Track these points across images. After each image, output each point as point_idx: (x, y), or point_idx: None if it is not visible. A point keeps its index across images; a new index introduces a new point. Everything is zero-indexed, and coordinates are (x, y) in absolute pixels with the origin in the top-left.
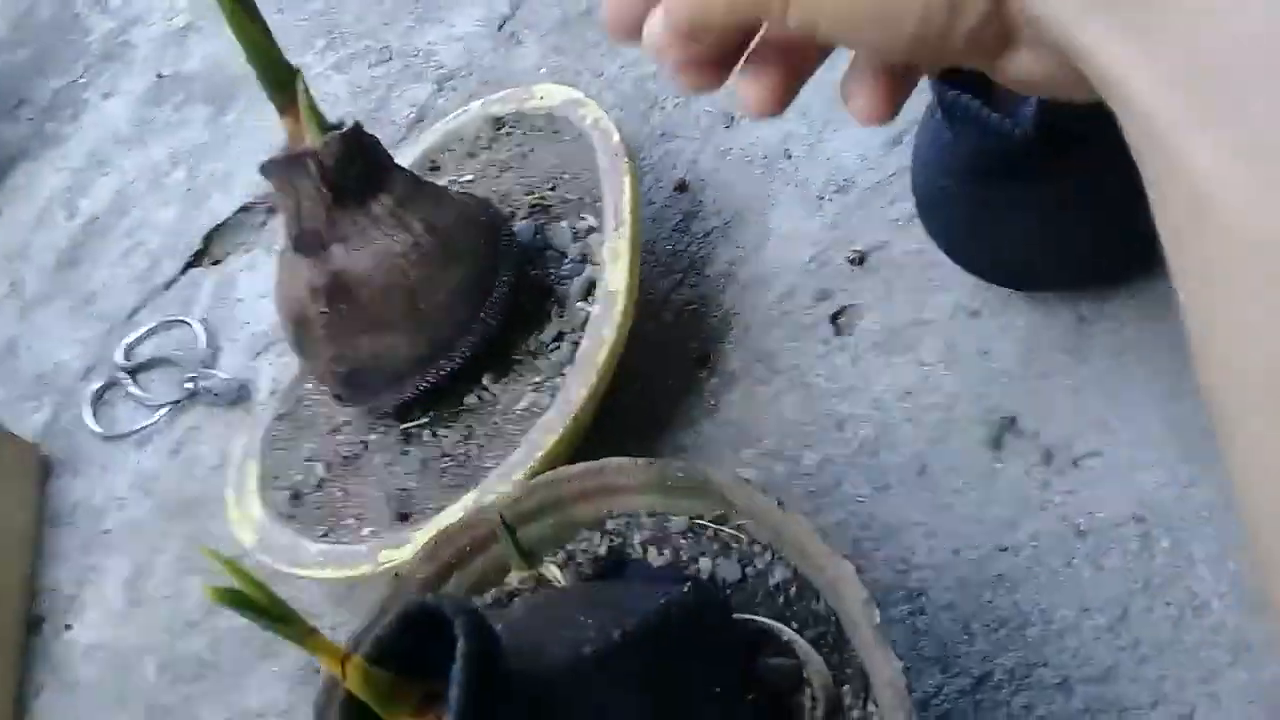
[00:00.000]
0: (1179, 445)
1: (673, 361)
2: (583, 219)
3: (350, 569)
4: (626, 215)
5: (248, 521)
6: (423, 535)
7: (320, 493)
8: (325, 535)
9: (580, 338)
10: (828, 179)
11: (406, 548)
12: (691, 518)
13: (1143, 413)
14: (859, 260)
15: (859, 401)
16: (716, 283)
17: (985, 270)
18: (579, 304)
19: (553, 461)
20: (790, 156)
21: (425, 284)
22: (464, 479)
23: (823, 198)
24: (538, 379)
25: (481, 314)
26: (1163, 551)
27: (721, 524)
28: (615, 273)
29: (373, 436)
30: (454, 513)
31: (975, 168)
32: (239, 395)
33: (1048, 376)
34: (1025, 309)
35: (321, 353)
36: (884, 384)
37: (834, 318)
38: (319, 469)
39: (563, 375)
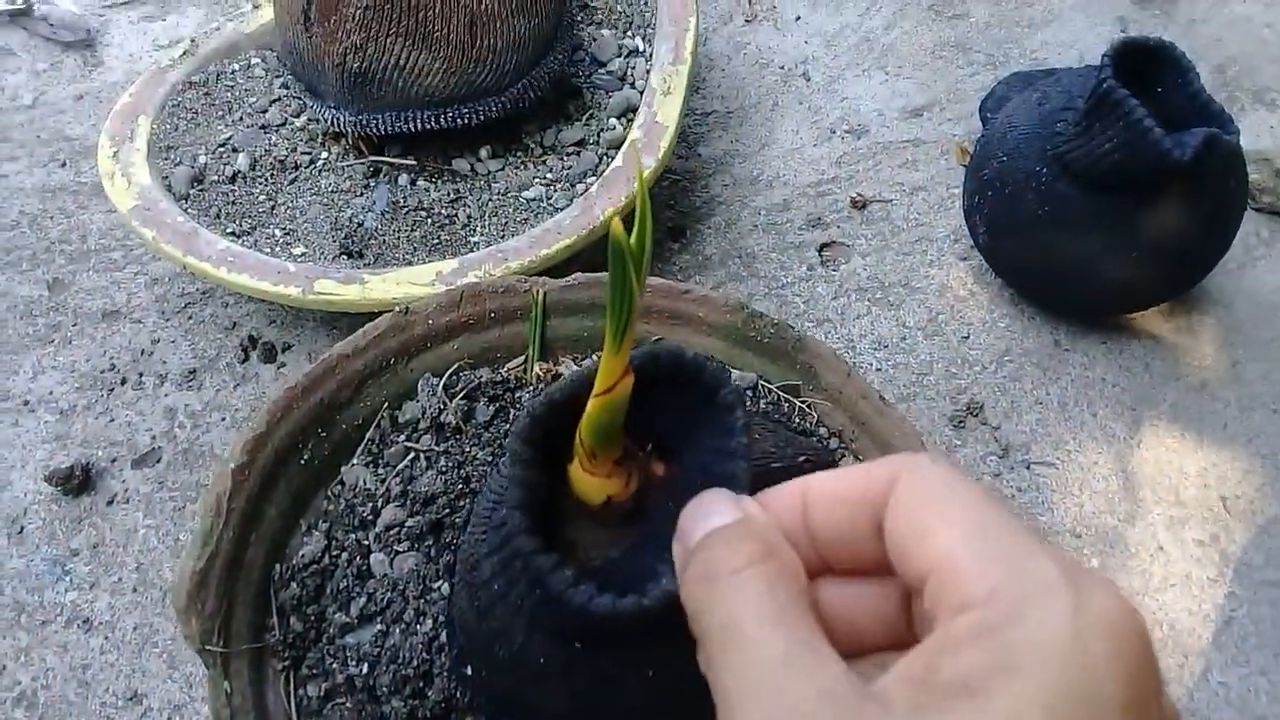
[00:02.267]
0: (1123, 484)
1: None
2: (629, 38)
3: (271, 284)
4: (688, 54)
5: (127, 184)
6: (381, 281)
7: (235, 186)
8: (237, 235)
9: (606, 153)
10: (842, 117)
11: (354, 288)
12: (760, 378)
13: (1096, 446)
14: (861, 205)
15: (832, 335)
16: (707, 165)
17: (1028, 267)
18: (612, 120)
19: (548, 265)
20: (809, 79)
21: (489, 19)
22: (443, 242)
23: (834, 132)
24: (549, 175)
25: (526, 78)
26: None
27: (792, 395)
28: (668, 106)
29: (326, 155)
30: (425, 272)
31: (1104, 176)
32: (82, 39)
33: (1018, 381)
34: (1010, 313)
35: (342, 38)
36: (861, 329)
37: (822, 248)
38: (240, 161)
39: (585, 184)
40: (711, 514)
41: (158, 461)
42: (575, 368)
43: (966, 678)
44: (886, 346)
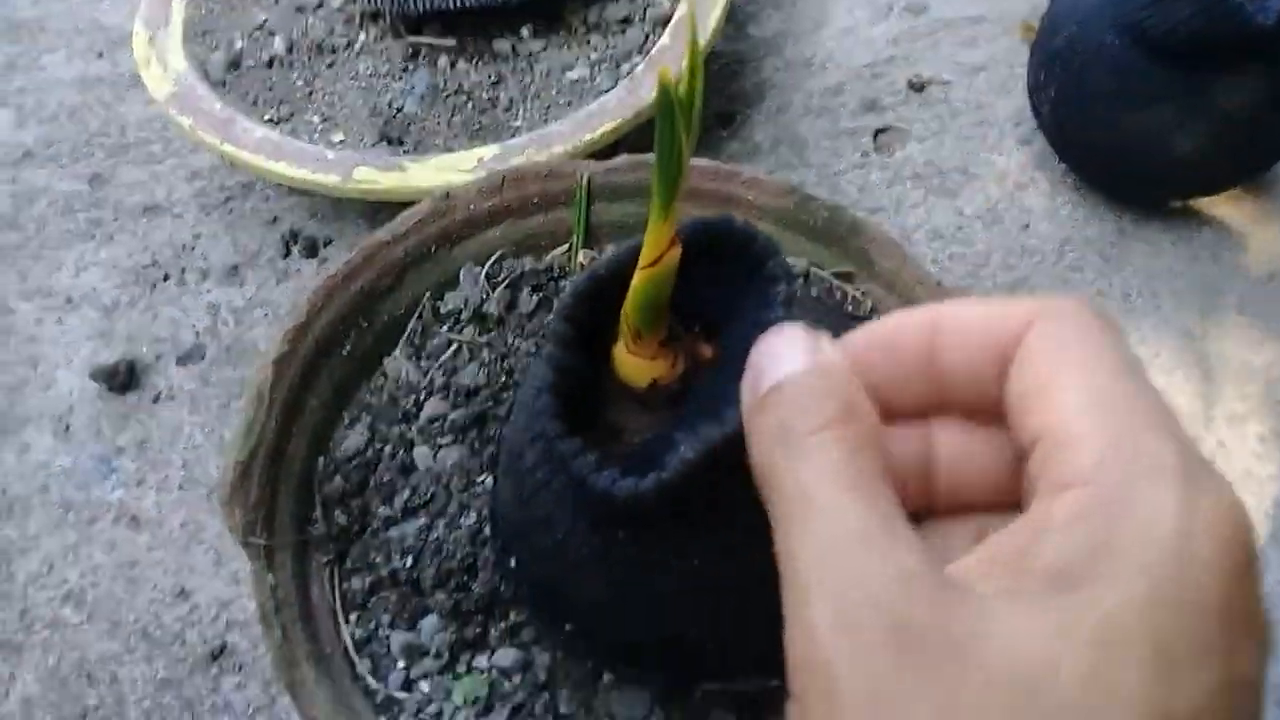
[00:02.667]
0: (1185, 377)
1: None
2: None
3: (310, 171)
4: None
5: (163, 70)
6: (421, 168)
7: (272, 72)
8: (275, 122)
9: (653, 31)
10: None
11: (393, 175)
12: (812, 264)
13: (1159, 338)
14: (919, 88)
15: (886, 225)
16: (758, 46)
17: (1094, 146)
18: None
19: (592, 150)
20: None
21: None
22: (484, 127)
23: (892, 9)
24: (593, 55)
25: None
26: None
27: (845, 282)
28: None
29: (364, 37)
30: (466, 159)
31: (1180, 45)
32: None
33: (1079, 271)
34: (1073, 200)
35: None
36: (917, 218)
37: (877, 134)
38: (276, 44)
39: (631, 64)
40: (784, 358)
41: (202, 358)
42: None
43: (1062, 568)
44: (942, 236)
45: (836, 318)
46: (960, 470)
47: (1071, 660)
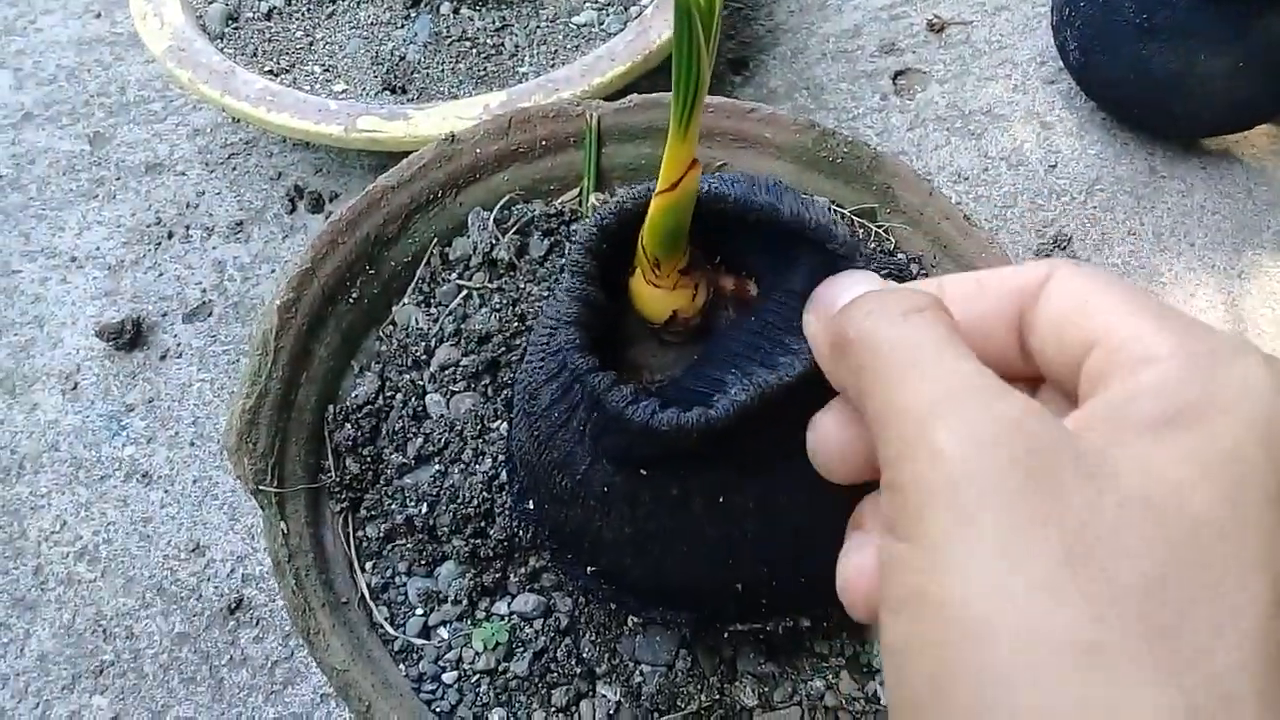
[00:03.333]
0: (1221, 316)
1: None
2: None
3: (312, 123)
4: None
5: (160, 24)
6: (426, 117)
7: (271, 23)
8: (275, 73)
9: None
10: None
11: (398, 124)
12: (832, 202)
13: (1194, 277)
14: (938, 28)
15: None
16: None
17: (1123, 83)
18: None
19: (601, 96)
20: None
21: None
22: (490, 74)
23: None
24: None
25: None
26: None
27: (867, 219)
28: None
29: None
30: (472, 106)
31: None
32: None
33: (1110, 211)
34: (1102, 139)
35: None
36: (940, 160)
37: (896, 76)
38: None
39: (639, 6)
40: (857, 285)
41: (209, 315)
42: None
43: (1172, 415)
44: (967, 179)
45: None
46: None
47: (1205, 485)
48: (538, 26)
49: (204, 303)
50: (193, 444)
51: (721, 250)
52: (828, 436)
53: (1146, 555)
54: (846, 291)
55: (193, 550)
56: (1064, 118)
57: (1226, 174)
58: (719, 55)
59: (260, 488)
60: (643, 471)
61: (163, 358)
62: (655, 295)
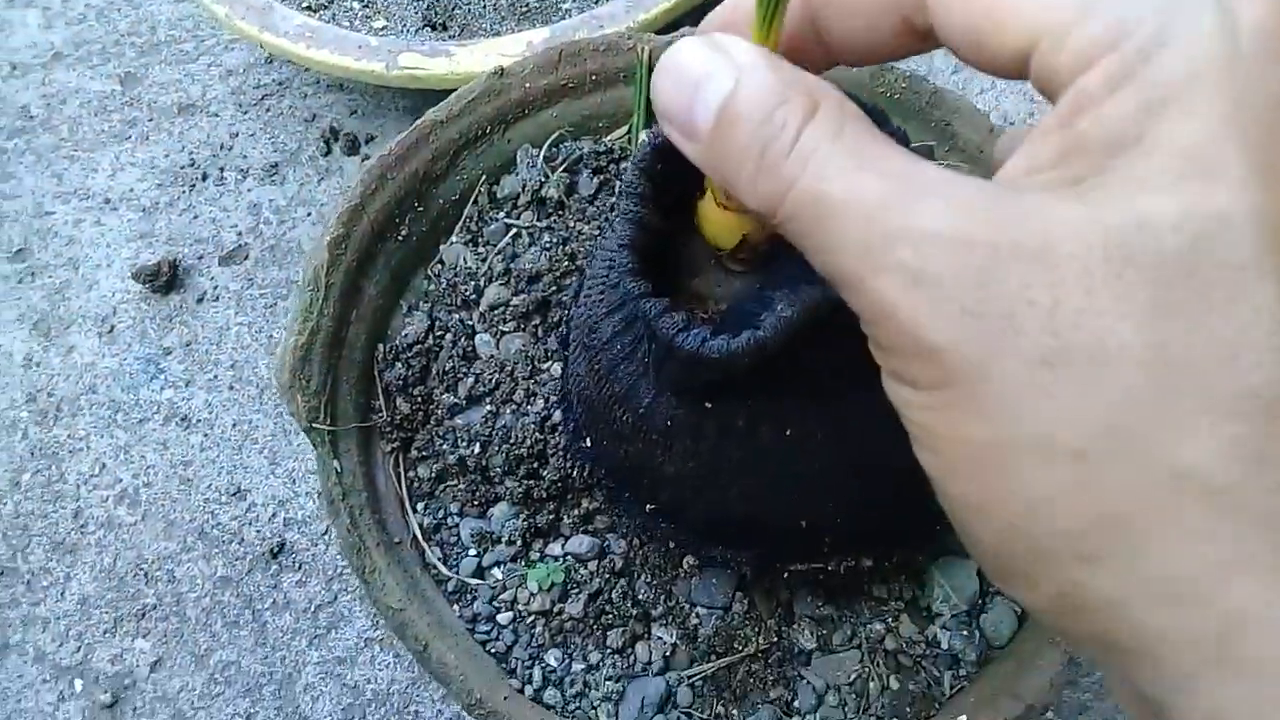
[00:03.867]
0: None
1: None
2: None
3: (353, 60)
4: None
5: None
6: (469, 54)
7: None
8: (313, 9)
9: None
10: None
11: (441, 60)
12: None
13: None
14: None
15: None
16: None
17: None
18: None
19: (647, 30)
20: None
21: None
22: (533, 10)
23: None
24: None
25: None
26: None
27: (925, 157)
28: None
29: None
30: (515, 42)
31: None
32: None
33: None
34: None
35: None
36: (985, 103)
37: None
38: None
39: None
40: (699, 84)
41: (245, 258)
42: None
43: (1118, 130)
44: (1013, 122)
45: None
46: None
47: (1161, 209)
48: None
49: (240, 245)
50: (231, 388)
51: None
52: None
53: (1127, 314)
54: (701, 88)
55: (233, 494)
56: None
57: None
58: None
59: (314, 425)
60: (707, 404)
61: (199, 301)
62: (725, 219)
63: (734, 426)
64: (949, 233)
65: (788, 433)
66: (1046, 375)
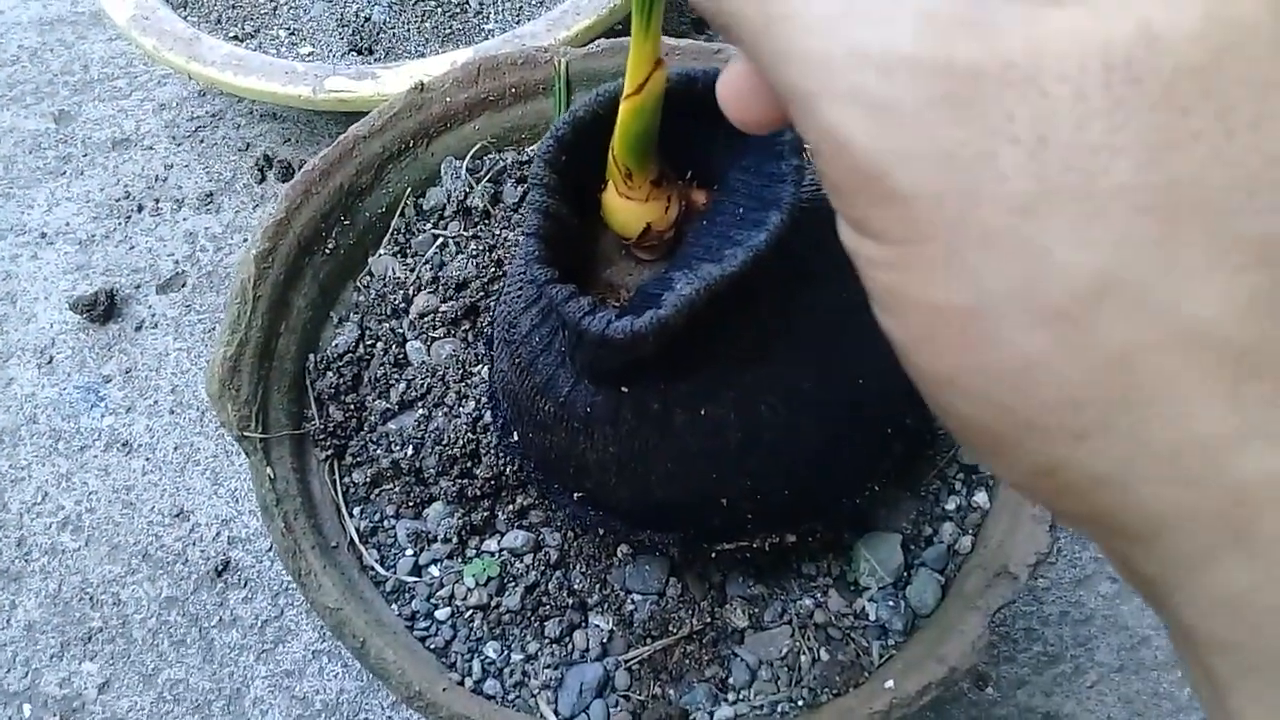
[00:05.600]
0: None
1: (668, 14)
2: None
3: (280, 85)
4: None
5: None
6: (395, 75)
7: None
8: (240, 39)
9: None
10: None
11: (367, 84)
12: None
13: None
14: None
15: None
16: None
17: None
18: None
19: (570, 45)
20: None
21: None
22: (456, 32)
23: None
24: None
25: None
26: None
27: None
28: None
29: None
30: (439, 63)
31: None
32: None
33: None
34: None
35: None
36: None
37: None
38: None
39: None
40: None
41: (183, 285)
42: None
43: None
44: None
45: None
46: None
47: (1176, 14)
48: None
49: (177, 273)
50: (172, 411)
51: (693, 165)
52: (737, 82)
53: (1128, 147)
54: None
55: (177, 515)
56: None
57: None
58: (681, 14)
59: (245, 434)
60: (624, 389)
61: (138, 329)
62: (628, 208)
63: (649, 410)
64: (923, 54)
65: (702, 412)
66: (1031, 225)
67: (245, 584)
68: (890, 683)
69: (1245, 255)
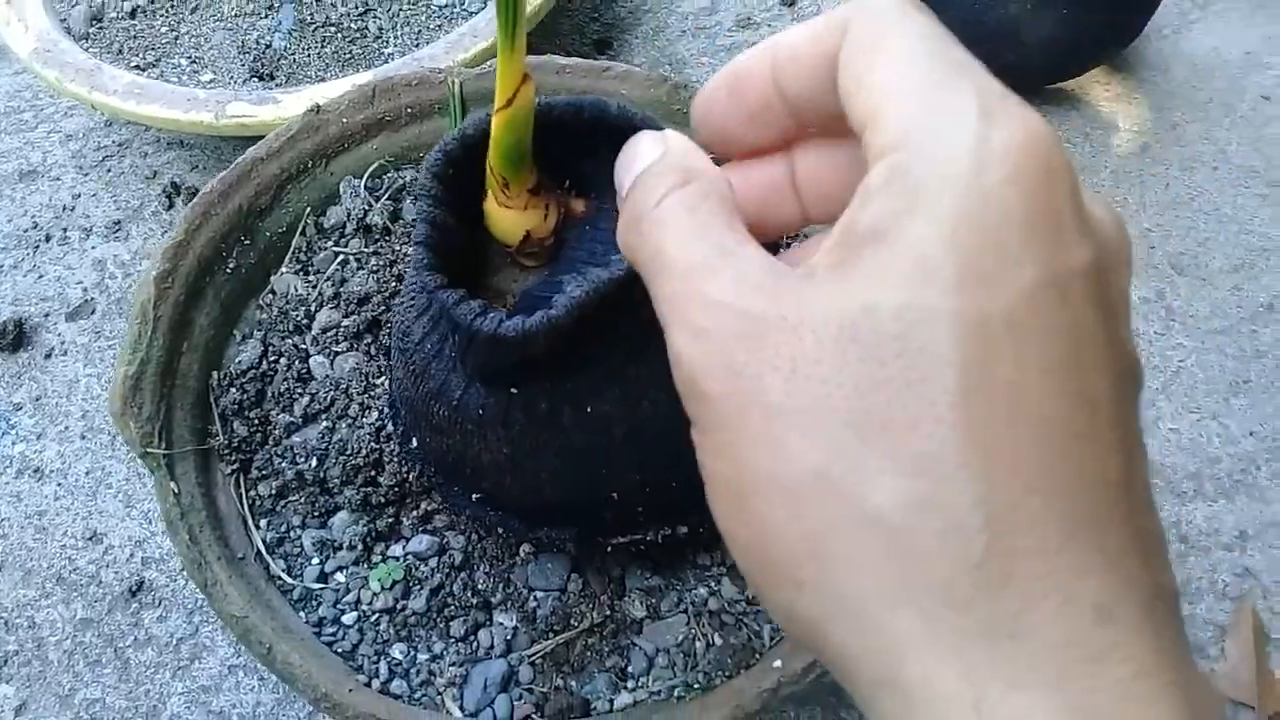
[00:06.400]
0: None
1: (569, 36)
2: None
3: (181, 112)
4: None
5: (24, 29)
6: (295, 100)
7: (135, 21)
8: (142, 68)
9: None
10: None
11: (268, 108)
12: None
13: None
14: (790, 2)
15: None
16: None
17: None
18: None
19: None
20: None
21: None
22: (356, 57)
23: None
24: None
25: None
26: None
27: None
28: None
29: None
30: (340, 87)
31: None
32: None
33: None
34: None
35: None
36: None
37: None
38: None
39: None
40: (637, 158)
41: (92, 313)
42: None
43: (875, 224)
44: None
45: None
46: (822, 182)
47: (888, 298)
48: (401, 9)
49: (86, 301)
50: (83, 437)
51: (570, 174)
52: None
53: (844, 382)
54: (628, 173)
55: (90, 539)
56: None
57: (1063, 121)
58: (583, 36)
59: (148, 450)
60: (513, 390)
61: (48, 356)
62: (507, 216)
63: (538, 409)
64: (731, 302)
65: (587, 410)
66: (779, 426)
67: (160, 603)
68: (779, 662)
69: (909, 466)
